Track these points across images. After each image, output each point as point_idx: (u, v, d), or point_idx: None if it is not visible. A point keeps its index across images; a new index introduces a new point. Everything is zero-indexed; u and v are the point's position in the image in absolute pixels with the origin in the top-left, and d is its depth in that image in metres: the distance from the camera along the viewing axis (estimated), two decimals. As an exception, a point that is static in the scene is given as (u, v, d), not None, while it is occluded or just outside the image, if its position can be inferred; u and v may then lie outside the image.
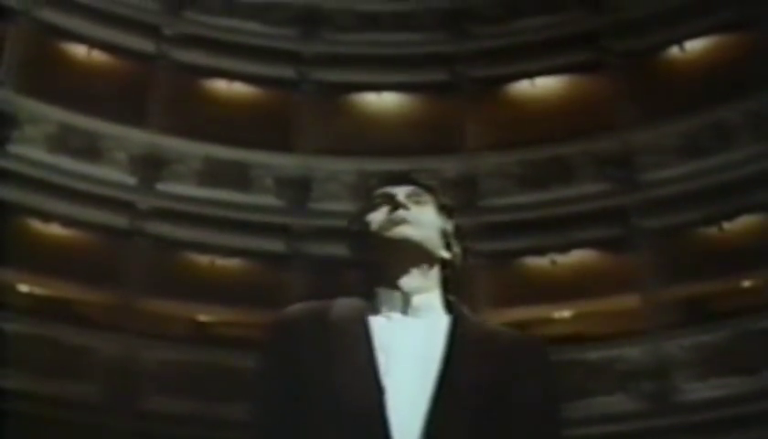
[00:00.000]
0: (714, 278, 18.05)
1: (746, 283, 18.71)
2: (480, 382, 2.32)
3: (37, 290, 19.12)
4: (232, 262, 20.51)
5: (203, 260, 20.37)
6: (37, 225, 19.46)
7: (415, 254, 2.51)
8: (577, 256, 20.05)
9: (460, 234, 2.67)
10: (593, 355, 18.45)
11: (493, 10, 22.08)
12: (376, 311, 2.46)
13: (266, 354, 2.47)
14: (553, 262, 20.11)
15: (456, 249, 2.63)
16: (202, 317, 20.36)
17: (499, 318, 18.79)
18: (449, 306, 2.54)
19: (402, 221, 2.52)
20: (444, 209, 2.67)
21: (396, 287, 2.48)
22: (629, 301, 18.74)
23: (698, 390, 17.53)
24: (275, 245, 20.18)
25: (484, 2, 22.19)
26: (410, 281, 2.49)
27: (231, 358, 17.45)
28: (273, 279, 19.58)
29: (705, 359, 17.66)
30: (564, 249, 19.96)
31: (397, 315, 2.45)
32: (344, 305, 2.49)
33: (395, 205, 2.56)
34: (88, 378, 17.81)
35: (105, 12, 21.03)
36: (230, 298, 19.23)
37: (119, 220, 19.73)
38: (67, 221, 19.49)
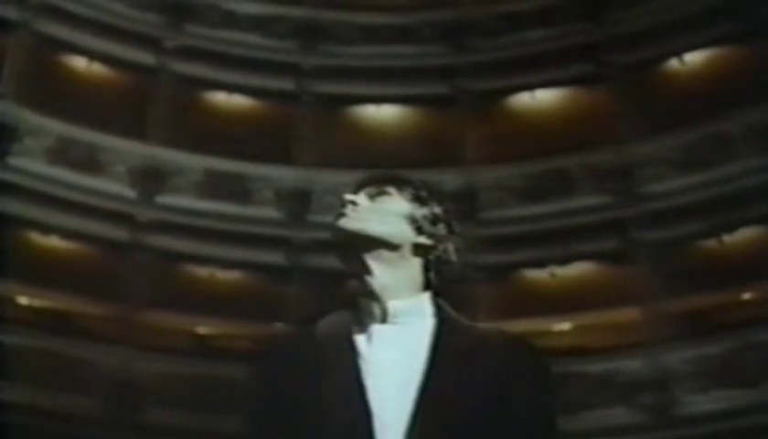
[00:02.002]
0: (714, 290, 18.00)
1: (746, 296, 18.66)
2: (464, 396, 2.24)
3: (37, 302, 19.08)
4: (232, 275, 20.49)
5: (203, 272, 20.35)
6: (36, 237, 19.45)
7: (366, 246, 2.42)
8: (577, 269, 20.04)
9: (439, 219, 2.52)
10: (594, 367, 18.42)
11: (493, 23, 22.12)
12: (361, 323, 2.40)
13: (254, 378, 2.43)
14: (553, 275, 20.10)
15: (434, 232, 2.48)
16: (202, 330, 20.31)
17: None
18: (437, 309, 2.44)
19: (341, 216, 2.46)
20: (419, 198, 2.53)
21: (372, 294, 2.40)
22: (629, 313, 18.70)
23: (699, 402, 17.49)
24: (275, 258, 20.17)
25: (484, 15, 22.21)
26: (377, 278, 2.40)
27: (231, 371, 17.42)
28: (273, 291, 19.58)
29: (705, 372, 17.64)
30: (564, 261, 19.96)
31: (377, 326, 2.37)
32: (329, 322, 2.45)
33: (344, 204, 2.49)
34: (87, 390, 17.78)
35: (105, 24, 21.07)
36: (230, 311, 19.20)
37: (119, 233, 19.73)
38: (66, 234, 19.48)
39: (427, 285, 2.46)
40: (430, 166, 20.45)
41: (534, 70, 21.46)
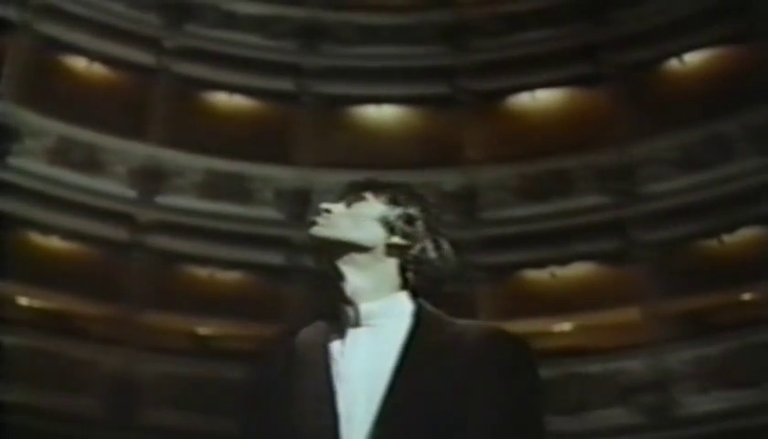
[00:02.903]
0: (714, 291, 18.00)
1: (746, 296, 18.66)
2: (432, 396, 2.21)
3: (37, 303, 19.07)
4: (232, 275, 20.49)
5: (203, 273, 20.35)
6: (36, 238, 19.46)
7: (337, 251, 2.44)
8: (577, 269, 20.04)
9: (415, 218, 2.50)
10: (593, 368, 18.43)
11: (492, 23, 22.11)
12: (340, 329, 2.41)
13: (244, 389, 2.50)
14: (553, 275, 20.10)
15: (409, 232, 2.47)
16: (202, 330, 20.30)
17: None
18: (417, 309, 2.42)
19: (311, 224, 2.47)
20: (394, 200, 2.52)
21: (346, 298, 2.40)
22: (629, 314, 18.70)
23: (699, 403, 17.50)
24: (275, 258, 20.16)
25: (483, 15, 22.22)
26: (349, 282, 2.41)
27: (231, 372, 17.41)
28: (273, 292, 19.58)
29: (705, 373, 17.64)
30: (564, 261, 19.95)
31: (351, 330, 2.38)
32: (308, 331, 2.47)
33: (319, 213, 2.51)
34: (87, 391, 17.78)
35: (105, 25, 21.07)
36: (230, 311, 19.20)
37: (119, 233, 19.73)
38: (67, 234, 19.49)
39: (405, 285, 2.45)
40: (430, 167, 20.52)
41: (534, 71, 21.45)
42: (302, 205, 20.51)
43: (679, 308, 18.44)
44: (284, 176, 20.91)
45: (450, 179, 20.69)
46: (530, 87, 21.78)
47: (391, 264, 2.45)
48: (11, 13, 20.21)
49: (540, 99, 21.76)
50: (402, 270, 2.45)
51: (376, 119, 22.43)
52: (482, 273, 19.74)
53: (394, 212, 2.50)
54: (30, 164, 19.29)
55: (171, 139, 20.73)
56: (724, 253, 18.93)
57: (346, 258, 2.43)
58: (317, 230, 2.46)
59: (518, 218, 20.10)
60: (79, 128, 19.90)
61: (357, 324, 2.38)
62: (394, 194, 2.54)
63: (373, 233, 2.46)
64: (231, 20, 22.28)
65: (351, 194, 2.55)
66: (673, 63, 20.99)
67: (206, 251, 20.07)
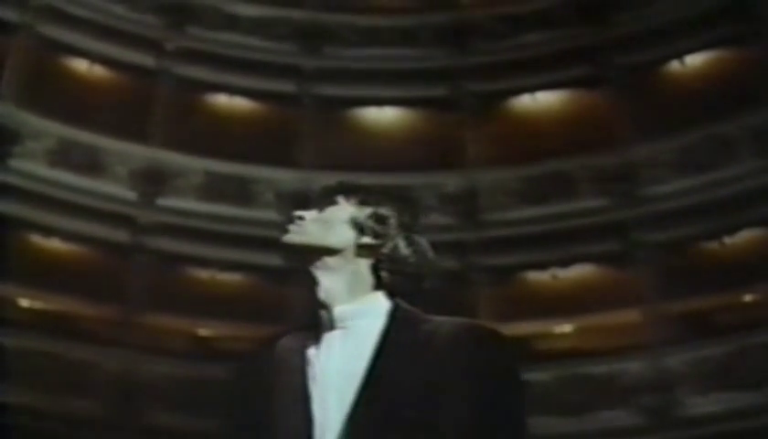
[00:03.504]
0: (715, 292, 17.99)
1: (747, 298, 18.66)
2: (403, 395, 2.20)
3: (38, 304, 19.07)
4: (233, 277, 20.48)
5: (204, 274, 20.35)
6: (37, 240, 19.46)
7: (310, 256, 2.47)
8: (578, 271, 20.04)
9: (386, 217, 2.49)
10: (595, 369, 18.43)
11: (493, 25, 22.12)
12: (318, 335, 2.41)
13: (226, 398, 2.50)
14: (554, 277, 20.09)
15: (379, 231, 2.46)
16: (203, 332, 20.30)
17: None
18: (393, 308, 2.40)
19: (285, 232, 2.51)
20: (364, 202, 2.53)
21: (321, 303, 2.42)
22: (630, 315, 18.70)
23: (700, 404, 17.50)
24: (276, 260, 20.09)
25: (484, 17, 22.22)
26: (322, 285, 2.43)
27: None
28: (274, 294, 19.56)
29: (706, 374, 17.65)
30: (565, 263, 19.95)
31: (327, 334, 2.39)
32: (289, 338, 2.48)
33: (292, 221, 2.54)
34: (89, 393, 17.78)
35: (106, 27, 21.07)
36: (231, 313, 19.18)
37: (120, 235, 19.73)
38: (67, 236, 19.49)
39: (380, 285, 2.44)
40: (431, 169, 20.55)
41: (535, 73, 21.45)
42: (303, 207, 20.44)
43: (680, 310, 18.43)
44: (285, 177, 20.90)
45: (451, 181, 20.71)
46: (531, 89, 21.78)
47: (364, 265, 2.45)
48: (12, 14, 20.21)
49: (541, 101, 21.76)
50: (376, 269, 2.44)
51: (377, 121, 22.42)
52: (483, 275, 19.77)
53: (364, 213, 2.50)
54: (31, 165, 19.30)
55: (172, 141, 20.73)
56: (725, 255, 18.93)
57: (319, 263, 2.45)
58: (288, 238, 2.50)
59: (519, 219, 20.09)
60: (79, 130, 19.90)
61: (331, 327, 2.38)
62: (365, 195, 2.55)
63: (343, 235, 2.47)
64: (232, 22, 22.28)
65: (324, 199, 2.58)
66: (674, 65, 20.99)
67: (207, 253, 20.07)
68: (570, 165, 20.36)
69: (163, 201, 20.27)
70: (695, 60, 20.77)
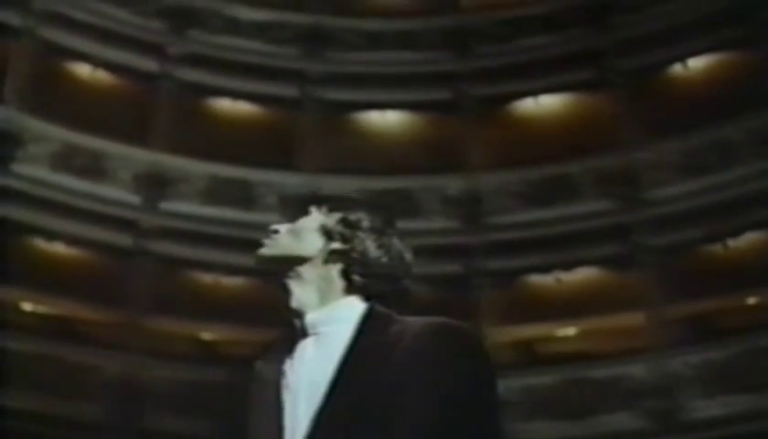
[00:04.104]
0: (719, 295, 17.97)
1: (751, 301, 18.64)
2: (367, 399, 2.15)
3: (41, 309, 19.08)
4: (236, 281, 20.44)
5: (207, 278, 20.34)
6: (40, 244, 19.47)
7: (284, 268, 2.47)
8: (581, 274, 20.02)
9: (353, 222, 2.47)
10: (598, 373, 18.41)
11: (496, 29, 22.12)
12: (293, 347, 2.40)
13: (214, 419, 2.54)
14: (558, 280, 20.08)
15: (347, 236, 2.44)
16: (206, 336, 20.29)
17: (504, 336, 18.81)
18: (367, 311, 2.36)
19: (259, 247, 2.52)
20: (334, 208, 2.53)
21: (295, 313, 2.42)
22: (634, 319, 18.67)
23: (704, 408, 17.48)
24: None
25: (487, 21, 22.23)
26: (294, 295, 2.44)
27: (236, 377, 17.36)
28: (278, 298, 19.53)
29: (710, 377, 17.62)
30: (568, 267, 19.93)
31: (301, 343, 2.37)
32: (270, 352, 2.47)
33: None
34: (92, 397, 17.77)
35: (109, 31, 21.10)
36: (235, 317, 19.17)
37: (123, 239, 19.73)
38: (71, 240, 19.50)
39: (353, 290, 2.42)
40: (434, 172, 20.57)
41: (537, 76, 21.46)
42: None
43: (684, 313, 18.42)
44: (288, 181, 20.90)
45: (454, 185, 20.71)
46: (534, 92, 21.78)
47: (334, 271, 2.43)
48: (14, 19, 20.24)
49: (544, 104, 21.76)
50: (347, 274, 2.42)
51: (380, 125, 22.43)
52: (486, 279, 19.77)
53: (332, 219, 2.50)
54: (34, 170, 19.30)
55: (175, 145, 20.74)
56: (729, 258, 18.92)
57: (291, 273, 2.46)
58: (261, 252, 2.51)
59: (523, 223, 20.09)
60: (82, 134, 19.90)
61: (304, 335, 2.37)
62: (335, 203, 2.56)
63: (313, 243, 2.46)
64: (235, 26, 22.30)
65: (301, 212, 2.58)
66: (677, 68, 20.99)
67: (210, 257, 20.06)
68: (573, 169, 20.35)
69: (166, 205, 20.27)
70: (698, 63, 20.78)
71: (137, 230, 19.86)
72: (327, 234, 2.47)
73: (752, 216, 18.49)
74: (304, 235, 2.49)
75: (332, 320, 2.35)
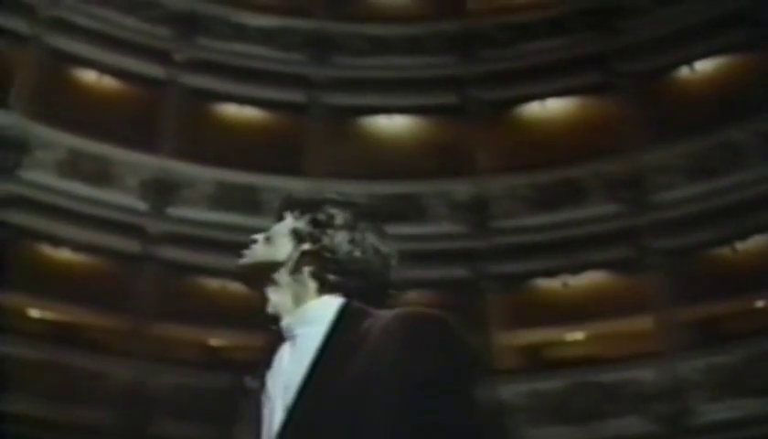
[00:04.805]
0: (727, 299, 17.94)
1: (760, 304, 18.62)
2: (335, 397, 2.11)
3: (48, 315, 19.11)
4: (243, 287, 20.40)
5: (214, 284, 20.31)
6: (47, 250, 19.50)
7: (260, 276, 2.46)
8: (589, 278, 19.98)
9: (321, 221, 2.44)
10: (607, 377, 18.36)
11: (503, 33, 22.12)
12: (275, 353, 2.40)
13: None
14: (565, 284, 20.05)
15: (316, 236, 2.41)
16: (213, 342, 20.30)
17: (512, 341, 18.80)
18: (342, 309, 2.32)
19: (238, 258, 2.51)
20: (305, 210, 2.51)
21: (274, 319, 2.41)
22: (642, 322, 18.63)
23: (713, 411, 17.42)
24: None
25: (493, 25, 22.23)
26: (271, 301, 2.42)
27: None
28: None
29: (719, 381, 17.57)
30: (576, 270, 19.90)
31: (280, 348, 2.36)
32: (258, 363, 2.45)
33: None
34: (99, 403, 17.75)
35: (116, 38, 21.13)
36: (242, 322, 19.13)
37: (130, 245, 19.74)
38: (77, 246, 19.51)
39: (327, 289, 2.38)
40: (441, 176, 20.56)
41: (544, 80, 21.44)
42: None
43: (692, 316, 18.38)
44: (295, 187, 20.77)
45: (461, 189, 20.70)
46: (541, 96, 21.77)
47: (307, 272, 2.41)
48: (21, 26, 20.29)
49: (551, 108, 21.75)
50: (320, 274, 2.40)
51: (386, 129, 22.43)
52: (494, 283, 19.73)
53: (302, 221, 2.48)
54: (41, 176, 19.34)
55: (181, 151, 20.76)
56: (737, 261, 18.88)
57: (267, 281, 2.45)
58: (238, 263, 2.51)
59: (530, 227, 20.06)
60: (89, 140, 19.94)
61: (282, 339, 2.37)
62: (305, 205, 2.54)
63: (285, 248, 2.45)
64: (241, 32, 22.32)
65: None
66: (683, 71, 20.97)
67: (217, 263, 19.98)
68: (580, 172, 20.33)
69: (173, 211, 20.29)
70: (704, 66, 20.75)
71: (144, 236, 19.87)
72: (298, 237, 2.45)
73: (759, 218, 18.45)
74: (277, 241, 2.48)
75: (305, 322, 2.33)
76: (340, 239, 2.41)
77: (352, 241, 2.41)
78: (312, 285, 2.39)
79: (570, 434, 17.88)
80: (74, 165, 19.76)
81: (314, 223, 2.45)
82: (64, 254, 19.59)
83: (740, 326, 18.24)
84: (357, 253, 2.40)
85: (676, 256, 19.03)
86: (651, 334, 18.62)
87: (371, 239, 2.44)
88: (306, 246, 2.42)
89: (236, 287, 20.34)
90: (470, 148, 21.34)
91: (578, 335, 19.87)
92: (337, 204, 2.51)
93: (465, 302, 19.21)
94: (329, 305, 2.33)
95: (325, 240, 2.41)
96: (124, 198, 20.00)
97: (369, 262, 2.41)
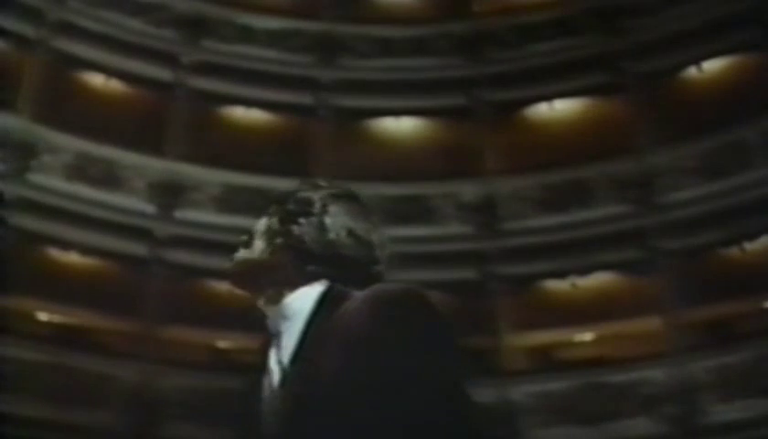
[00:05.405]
0: (736, 299, 17.86)
1: (769, 304, 18.58)
2: (306, 388, 2.09)
3: (56, 318, 19.11)
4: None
5: (221, 287, 20.24)
6: (55, 253, 19.51)
7: (243, 278, 2.45)
8: (598, 279, 19.95)
9: (291, 212, 2.41)
10: (616, 378, 18.33)
11: (510, 34, 22.09)
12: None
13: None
14: (574, 285, 20.01)
15: (287, 228, 2.38)
16: (221, 344, 20.28)
17: (521, 342, 18.77)
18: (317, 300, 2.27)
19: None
20: (276, 205, 2.50)
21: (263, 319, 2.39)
22: (651, 323, 18.60)
23: (723, 412, 17.37)
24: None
25: (500, 26, 22.20)
26: (259, 302, 2.40)
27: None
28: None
29: (729, 381, 17.52)
30: (585, 271, 19.87)
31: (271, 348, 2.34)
32: (255, 364, 2.45)
33: None
34: (107, 406, 17.78)
35: (122, 41, 21.15)
36: (249, 325, 19.11)
37: (137, 248, 19.76)
38: (85, 249, 19.53)
39: (304, 280, 2.33)
40: (449, 178, 20.53)
41: (551, 81, 21.41)
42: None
43: (701, 317, 18.33)
44: (303, 189, 20.85)
45: (469, 190, 20.67)
46: (548, 97, 21.73)
47: (284, 267, 2.37)
48: (28, 30, 20.31)
49: (559, 109, 21.71)
50: (297, 266, 2.35)
51: (394, 131, 22.41)
52: (502, 285, 19.71)
53: (274, 218, 2.46)
54: (48, 180, 19.36)
55: (189, 154, 20.77)
56: (746, 261, 18.82)
57: (254, 281, 2.42)
58: (226, 269, 2.48)
59: (538, 228, 20.04)
60: (96, 144, 19.96)
61: (272, 337, 2.34)
62: (279, 198, 2.52)
63: (260, 246, 2.43)
64: (248, 35, 22.32)
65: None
66: (691, 71, 20.91)
67: (224, 266, 20.00)
68: (588, 173, 20.30)
69: (180, 214, 20.29)
70: (712, 66, 20.70)
71: (151, 239, 19.88)
72: (270, 233, 2.42)
73: (768, 218, 18.41)
74: (254, 242, 2.46)
75: (286, 317, 2.30)
76: (310, 226, 2.37)
77: (322, 226, 2.37)
78: (292, 279, 2.34)
79: (580, 435, 17.85)
80: (81, 169, 19.78)
81: (285, 215, 2.42)
82: (72, 257, 19.61)
83: (749, 326, 18.17)
84: (331, 236, 2.35)
85: (685, 256, 18.99)
86: (660, 334, 18.58)
87: (344, 220, 2.39)
88: (279, 240, 2.39)
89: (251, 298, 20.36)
90: (478, 149, 21.32)
91: (587, 336, 19.82)
92: (309, 191, 2.48)
93: (474, 303, 19.20)
94: (308, 296, 2.29)
95: (296, 231, 2.37)
96: (132, 201, 20.02)
97: (343, 243, 2.35)
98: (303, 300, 2.29)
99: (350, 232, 2.37)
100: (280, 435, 2.13)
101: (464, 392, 2.02)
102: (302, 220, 2.39)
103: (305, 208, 2.42)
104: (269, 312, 2.35)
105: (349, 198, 2.47)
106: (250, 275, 2.43)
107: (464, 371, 2.05)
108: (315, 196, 2.45)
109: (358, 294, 2.16)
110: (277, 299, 2.34)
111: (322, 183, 2.54)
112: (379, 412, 1.96)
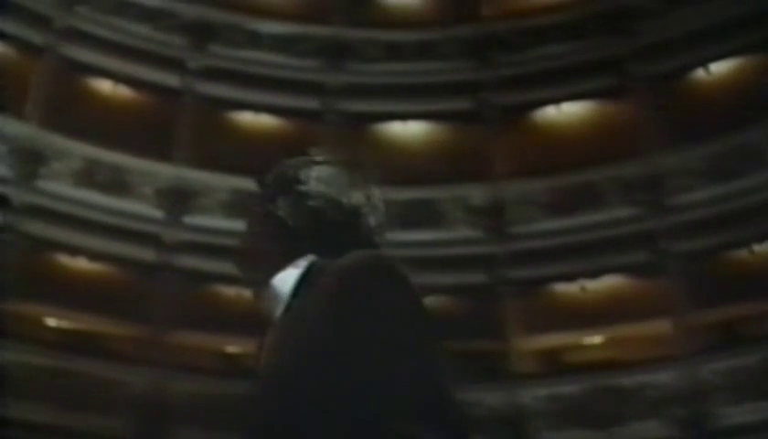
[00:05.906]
0: (746, 301, 17.82)
1: (779, 306, 18.51)
2: (287, 365, 2.02)
3: (65, 324, 19.14)
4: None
5: (230, 292, 20.28)
6: (64, 259, 19.52)
7: (246, 272, 2.39)
8: (607, 282, 19.91)
9: (273, 193, 2.35)
10: (625, 381, 18.30)
11: (517, 37, 22.07)
12: None
13: None
14: (583, 288, 19.98)
15: (271, 208, 2.32)
16: (230, 349, 20.27)
17: (530, 345, 18.74)
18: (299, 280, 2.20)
19: None
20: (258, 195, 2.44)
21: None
22: (660, 326, 18.57)
23: (733, 414, 17.34)
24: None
25: (508, 29, 22.18)
26: (260, 298, 2.32)
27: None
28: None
29: (739, 384, 17.48)
30: (594, 274, 19.83)
31: None
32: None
33: None
34: (117, 411, 17.78)
35: (130, 47, 21.18)
36: (258, 330, 19.12)
37: (146, 254, 19.77)
38: (94, 255, 19.54)
39: (291, 260, 2.26)
40: (457, 181, 20.51)
41: (559, 84, 21.39)
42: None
43: (711, 319, 18.30)
44: (311, 193, 20.86)
45: (477, 194, 20.65)
46: (556, 100, 21.70)
47: (266, 251, 2.33)
48: (36, 36, 20.35)
49: (567, 112, 21.69)
50: (284, 247, 2.29)
51: (402, 135, 22.40)
52: (511, 288, 19.68)
53: (262, 203, 2.40)
54: (57, 186, 19.39)
55: (197, 159, 20.79)
56: (755, 263, 18.78)
57: (253, 271, 2.37)
58: (233, 267, 2.44)
59: (547, 231, 20.02)
60: (105, 150, 19.99)
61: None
62: (264, 185, 2.46)
63: (251, 235, 2.40)
64: (255, 40, 22.33)
65: None
66: (699, 73, 20.87)
67: (233, 271, 19.91)
68: (596, 176, 20.27)
69: (188, 219, 20.31)
70: (720, 68, 20.66)
71: (160, 245, 19.90)
72: (257, 220, 2.39)
73: (779, 220, 18.37)
74: (249, 231, 2.42)
75: (274, 300, 2.24)
76: (287, 201, 2.32)
77: (299, 198, 2.31)
78: (276, 262, 2.28)
79: (590, 438, 17.83)
80: (90, 175, 19.81)
81: (264, 201, 2.38)
82: (80, 263, 19.63)
83: (759, 328, 18.13)
84: (311, 204, 2.29)
85: (693, 259, 18.94)
86: (669, 337, 18.55)
87: (323, 187, 2.33)
88: (258, 227, 2.37)
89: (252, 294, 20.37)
90: (486, 153, 21.30)
91: (596, 339, 19.79)
92: (285, 166, 2.44)
93: (483, 307, 19.19)
94: (290, 277, 2.23)
95: (275, 210, 2.33)
96: (140, 207, 20.04)
97: (324, 211, 2.29)
98: (285, 281, 2.23)
99: (329, 199, 2.31)
100: (256, 422, 2.09)
101: (431, 359, 1.94)
102: (281, 199, 2.33)
103: (282, 185, 2.37)
104: (263, 302, 2.28)
105: (329, 164, 2.42)
106: (248, 269, 2.38)
107: (431, 340, 1.98)
108: (290, 170, 2.40)
109: (333, 266, 2.08)
110: (267, 286, 2.27)
111: (305, 155, 2.48)
112: (347, 382, 1.89)
